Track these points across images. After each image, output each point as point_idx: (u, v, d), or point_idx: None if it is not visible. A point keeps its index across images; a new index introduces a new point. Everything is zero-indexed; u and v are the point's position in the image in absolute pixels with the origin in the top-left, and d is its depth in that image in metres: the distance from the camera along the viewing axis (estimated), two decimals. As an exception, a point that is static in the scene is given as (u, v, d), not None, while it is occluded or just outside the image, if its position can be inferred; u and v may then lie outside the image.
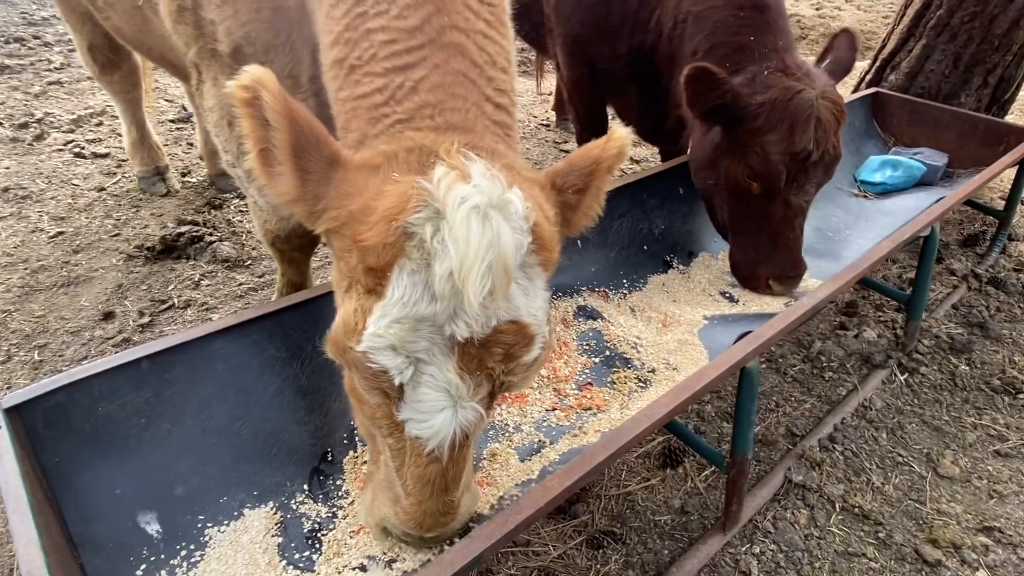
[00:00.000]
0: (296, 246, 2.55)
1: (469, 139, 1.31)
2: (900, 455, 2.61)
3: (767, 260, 2.70)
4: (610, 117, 4.04)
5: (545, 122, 5.95)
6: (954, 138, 4.00)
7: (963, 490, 2.49)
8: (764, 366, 3.03)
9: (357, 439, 2.02)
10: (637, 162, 5.16)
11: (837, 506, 2.37)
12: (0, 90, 5.42)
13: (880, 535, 2.29)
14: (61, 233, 3.59)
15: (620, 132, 1.38)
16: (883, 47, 4.68)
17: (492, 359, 1.22)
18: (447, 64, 1.38)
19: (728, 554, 2.18)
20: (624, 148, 1.38)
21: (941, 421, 2.78)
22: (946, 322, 3.30)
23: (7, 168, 4.13)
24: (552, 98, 6.11)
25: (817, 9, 13.59)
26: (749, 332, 1.99)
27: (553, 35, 3.71)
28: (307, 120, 1.19)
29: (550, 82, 6.13)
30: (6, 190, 3.89)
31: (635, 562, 2.15)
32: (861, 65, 5.20)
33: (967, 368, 3.04)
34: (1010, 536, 2.32)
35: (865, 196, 3.86)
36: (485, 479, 1.90)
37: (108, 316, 3.05)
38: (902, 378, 2.97)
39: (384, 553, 1.68)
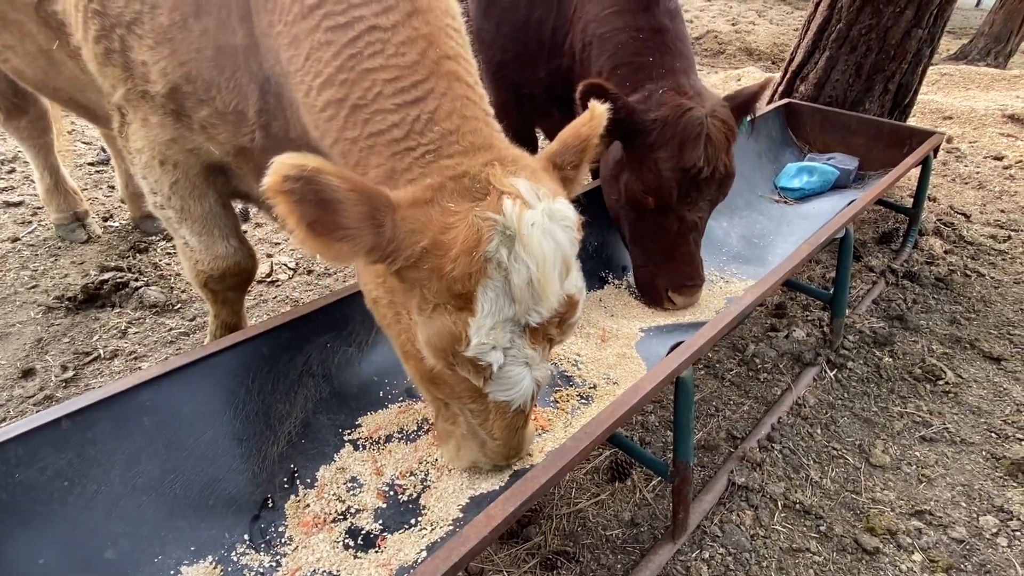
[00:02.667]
0: (230, 285, 2.49)
1: (494, 155, 1.46)
2: (834, 448, 2.71)
3: (663, 273, 2.78)
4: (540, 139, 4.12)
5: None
6: (862, 142, 4.24)
7: (894, 477, 2.60)
8: (703, 372, 3.10)
9: (298, 482, 1.97)
10: (570, 180, 5.25)
11: (779, 504, 2.44)
12: (-101, 140, 5.13)
13: (821, 528, 2.37)
14: (-28, 288, 3.40)
15: (600, 108, 1.57)
16: (792, 60, 4.93)
17: (552, 328, 1.48)
18: (451, 91, 1.51)
19: (679, 562, 2.21)
20: (604, 121, 1.58)
21: (870, 412, 2.90)
22: (868, 317, 3.46)
23: (-91, 223, 3.90)
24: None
25: (733, 24, 14.26)
26: (682, 342, 2.04)
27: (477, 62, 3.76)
28: (365, 184, 1.29)
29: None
30: (-91, 246, 3.68)
31: (589, 579, 2.16)
32: (774, 77, 5.46)
33: (890, 360, 3.20)
34: (940, 518, 2.43)
35: (785, 202, 4.04)
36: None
37: (28, 373, 2.89)
38: (831, 374, 3.09)
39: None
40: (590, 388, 2.37)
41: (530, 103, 3.59)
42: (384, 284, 1.58)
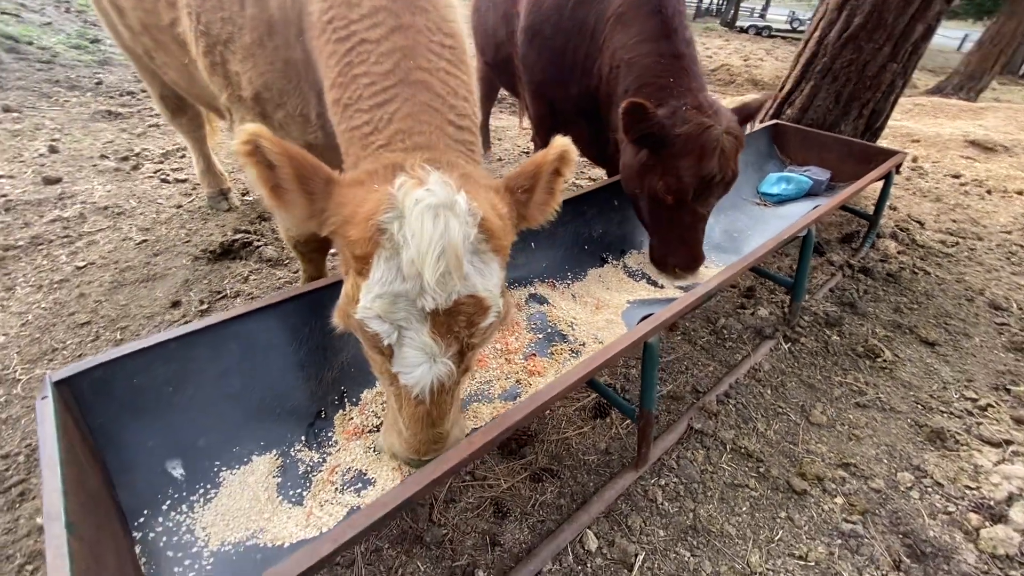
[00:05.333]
0: (313, 248, 2.48)
1: (431, 156, 1.29)
2: (780, 407, 2.51)
3: (675, 253, 2.58)
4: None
5: (525, 150, 5.81)
6: (835, 158, 3.85)
7: (828, 434, 2.39)
8: (679, 338, 2.92)
9: (346, 400, 1.95)
10: (593, 180, 5.03)
11: (728, 447, 2.28)
12: (112, 131, 5.34)
13: (760, 470, 2.20)
14: (145, 240, 3.51)
15: (559, 140, 1.31)
16: (782, 88, 4.51)
17: (457, 325, 1.21)
18: (414, 98, 1.35)
19: (640, 486, 2.10)
20: (565, 152, 1.31)
21: (814, 380, 2.67)
22: (823, 302, 3.18)
23: (108, 191, 4.05)
24: (532, 132, 5.97)
25: (745, 60, 13.30)
26: (652, 314, 1.89)
27: (522, 82, 3.59)
28: (301, 154, 1.17)
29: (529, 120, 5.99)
30: (106, 208, 3.82)
31: (567, 492, 2.07)
32: (772, 94, 5.02)
33: (838, 338, 2.93)
34: (863, 470, 2.23)
35: (764, 205, 3.73)
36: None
37: (176, 304, 2.97)
38: (786, 346, 2.86)
39: (355, 490, 1.61)
40: (580, 345, 2.25)
41: (562, 115, 3.40)
42: None
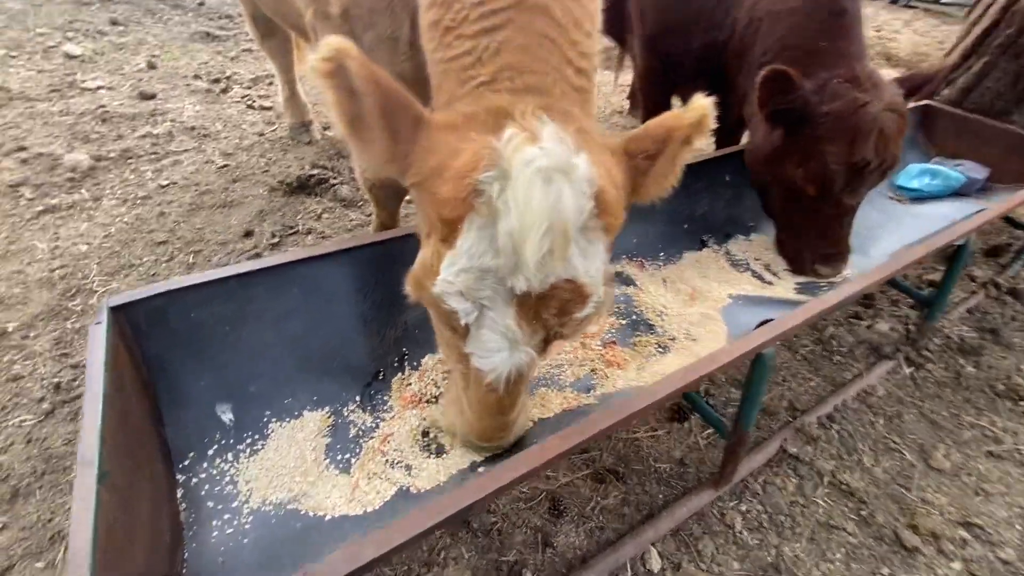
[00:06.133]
0: (389, 194, 2.30)
1: (544, 102, 1.05)
2: (894, 442, 2.14)
3: (813, 247, 2.22)
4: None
5: (619, 110, 5.36)
6: (997, 153, 3.19)
7: (951, 484, 2.01)
8: (777, 343, 2.56)
9: (407, 363, 1.80)
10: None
11: (825, 480, 1.96)
12: (208, 53, 5.40)
13: (863, 513, 1.88)
14: (226, 165, 3.49)
15: (701, 101, 1.03)
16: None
17: (548, 312, 1.02)
18: (531, 25, 1.07)
19: (717, 507, 1.85)
20: (704, 118, 1.03)
21: (939, 416, 2.26)
22: (959, 324, 2.69)
23: (197, 111, 4.08)
24: (629, 89, 5.48)
25: (877, 31, 11.71)
26: (771, 320, 1.58)
27: (633, 30, 3.16)
28: (391, 84, 0.95)
29: (627, 76, 5.49)
30: (193, 128, 3.84)
31: (632, 500, 1.85)
32: (948, 63, 4.28)
33: (973, 370, 2.47)
34: (990, 534, 1.85)
35: (899, 200, 3.18)
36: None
37: (248, 234, 2.94)
38: (907, 371, 2.44)
39: (406, 467, 1.46)
40: (669, 339, 1.97)
41: (676, 72, 2.96)
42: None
